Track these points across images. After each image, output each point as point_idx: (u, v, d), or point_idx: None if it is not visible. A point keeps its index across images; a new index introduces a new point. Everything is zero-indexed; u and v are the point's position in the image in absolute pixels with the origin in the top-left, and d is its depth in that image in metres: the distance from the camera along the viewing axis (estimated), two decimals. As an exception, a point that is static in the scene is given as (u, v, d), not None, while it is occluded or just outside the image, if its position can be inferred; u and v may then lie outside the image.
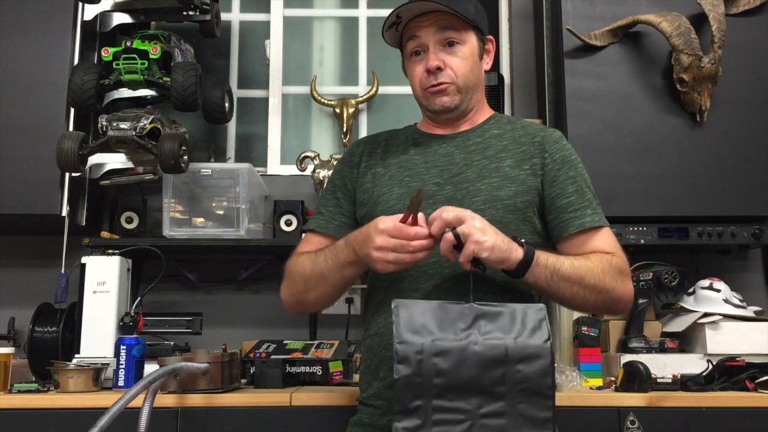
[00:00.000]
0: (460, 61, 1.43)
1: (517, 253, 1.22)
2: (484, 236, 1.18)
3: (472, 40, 1.45)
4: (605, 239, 1.39)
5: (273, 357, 2.04)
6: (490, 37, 1.52)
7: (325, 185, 2.41)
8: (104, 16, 2.45)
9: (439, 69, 1.41)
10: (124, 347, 1.91)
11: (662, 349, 2.12)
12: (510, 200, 1.37)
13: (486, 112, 1.54)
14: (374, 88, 2.72)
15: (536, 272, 1.25)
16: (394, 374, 1.13)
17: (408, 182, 1.44)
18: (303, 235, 1.61)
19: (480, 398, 1.13)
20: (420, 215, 1.22)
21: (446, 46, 1.42)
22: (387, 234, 1.21)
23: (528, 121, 1.55)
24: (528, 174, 1.40)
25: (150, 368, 1.86)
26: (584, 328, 2.13)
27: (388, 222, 1.22)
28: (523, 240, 1.26)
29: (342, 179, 1.54)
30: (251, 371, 2.01)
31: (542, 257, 1.26)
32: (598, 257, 1.33)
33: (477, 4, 1.49)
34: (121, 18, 2.45)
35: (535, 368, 1.13)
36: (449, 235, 1.19)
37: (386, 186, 1.46)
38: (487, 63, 1.51)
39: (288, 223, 2.45)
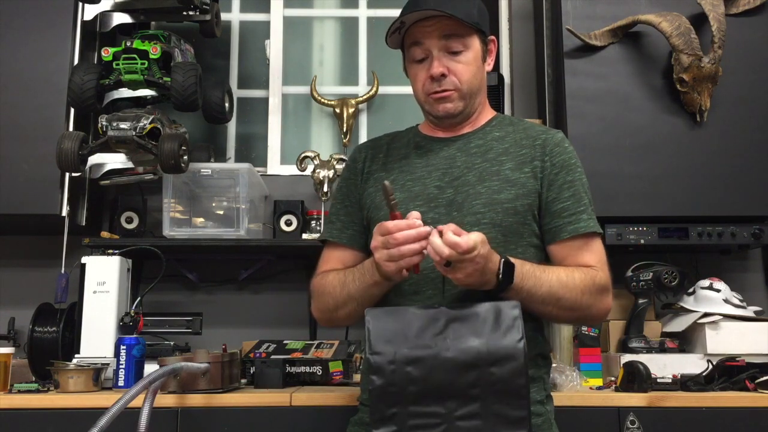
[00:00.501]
0: (464, 67, 1.41)
1: (490, 285, 1.25)
2: (467, 278, 1.19)
3: (475, 44, 1.43)
4: (593, 251, 1.40)
5: (273, 357, 2.04)
6: (492, 37, 1.50)
7: (330, 190, 2.42)
8: (104, 16, 2.45)
9: (443, 76, 1.40)
10: (124, 347, 1.91)
11: (662, 349, 2.12)
12: (510, 203, 1.37)
13: (488, 113, 1.53)
14: (374, 88, 2.72)
15: (510, 295, 1.27)
16: (369, 385, 1.16)
17: (410, 186, 1.44)
18: (322, 248, 1.61)
19: (455, 402, 1.15)
20: (414, 213, 1.22)
21: (450, 52, 1.41)
22: (377, 233, 1.23)
23: (530, 123, 1.54)
24: (528, 177, 1.40)
25: (150, 368, 1.86)
26: (584, 328, 2.14)
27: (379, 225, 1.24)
28: (503, 262, 1.23)
29: (348, 187, 1.55)
30: (251, 371, 2.01)
31: (517, 285, 1.26)
32: (582, 275, 1.34)
33: (480, 5, 1.47)
34: (121, 18, 2.45)
35: (508, 369, 1.14)
36: (442, 268, 1.19)
37: (377, 188, 1.47)
38: (489, 64, 1.49)
39: (288, 223, 2.45)
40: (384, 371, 1.15)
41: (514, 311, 1.19)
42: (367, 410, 1.41)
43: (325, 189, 2.43)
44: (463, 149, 1.45)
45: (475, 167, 1.42)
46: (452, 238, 1.15)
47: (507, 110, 2.71)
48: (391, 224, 1.20)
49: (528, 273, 1.28)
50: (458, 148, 1.46)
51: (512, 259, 1.27)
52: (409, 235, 1.18)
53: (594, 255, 1.39)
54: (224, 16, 2.79)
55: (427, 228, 1.19)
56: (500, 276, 1.24)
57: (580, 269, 1.35)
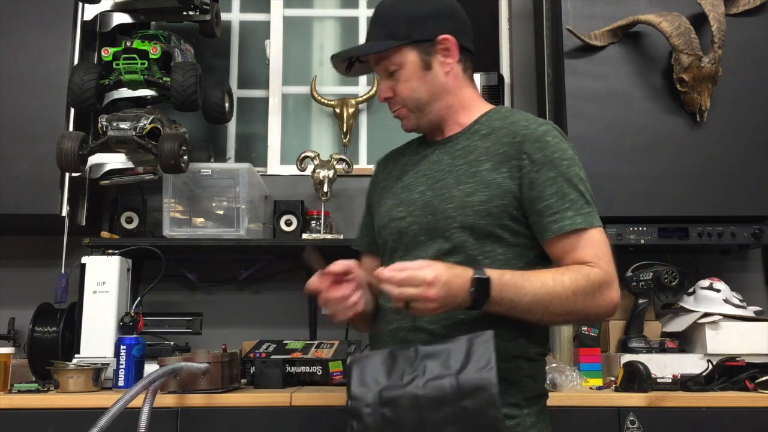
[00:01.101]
0: (402, 84, 1.41)
1: (464, 305, 1.21)
2: (434, 310, 1.19)
3: (408, 58, 1.39)
4: (588, 245, 1.29)
5: (273, 357, 2.04)
6: (442, 37, 1.40)
7: (330, 190, 2.45)
8: (104, 16, 2.45)
9: (388, 98, 1.44)
10: (124, 347, 1.92)
11: (662, 349, 2.12)
12: (482, 206, 1.33)
13: (477, 111, 1.46)
14: (374, 88, 2.72)
15: (492, 309, 1.23)
16: (348, 430, 1.19)
17: (398, 193, 1.46)
18: None
19: None
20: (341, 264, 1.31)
21: (390, 74, 1.42)
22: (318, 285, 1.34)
23: (520, 116, 1.42)
24: (505, 177, 1.34)
25: (150, 368, 1.86)
26: (584, 328, 2.14)
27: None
28: (476, 277, 1.21)
29: (368, 198, 1.62)
30: (251, 371, 2.01)
31: (496, 297, 1.22)
32: (573, 277, 1.25)
33: (412, 12, 1.41)
34: (121, 18, 2.45)
35: (479, 401, 1.12)
36: (400, 302, 1.20)
37: (384, 198, 1.50)
38: (448, 64, 1.41)
39: (288, 223, 2.45)
40: (361, 415, 1.17)
41: (486, 341, 1.17)
42: None
43: (325, 189, 2.43)
44: (450, 152, 1.43)
45: (456, 169, 1.39)
46: (395, 292, 1.18)
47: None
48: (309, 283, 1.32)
49: (508, 283, 1.23)
50: (446, 151, 1.44)
51: (489, 271, 1.21)
52: (311, 288, 1.31)
53: (589, 249, 1.29)
54: (224, 16, 2.79)
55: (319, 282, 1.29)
56: (473, 293, 1.20)
57: (570, 269, 1.27)
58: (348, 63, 1.46)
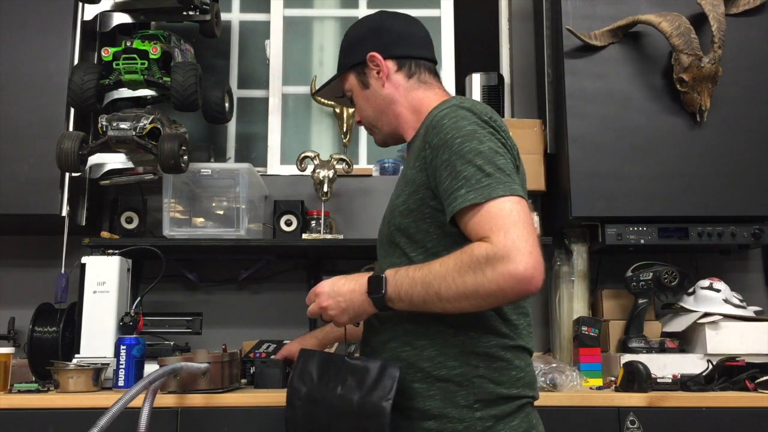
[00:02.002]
0: (358, 107, 1.55)
1: (370, 308, 1.29)
2: (339, 318, 1.34)
3: (351, 83, 1.53)
4: (482, 220, 1.18)
5: (273, 357, 2.04)
6: (369, 55, 1.47)
7: (330, 190, 2.45)
8: (104, 16, 2.45)
9: (359, 123, 1.57)
10: (124, 347, 1.91)
11: (662, 349, 2.12)
12: (403, 205, 1.34)
13: (428, 110, 1.41)
14: (374, 88, 2.72)
15: (397, 307, 1.26)
16: (285, 413, 1.34)
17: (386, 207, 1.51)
18: None
19: None
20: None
21: (351, 101, 1.57)
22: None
23: (441, 105, 1.36)
24: (417, 171, 1.33)
25: (150, 368, 1.86)
26: (584, 328, 2.14)
27: None
28: (370, 277, 1.28)
29: None
30: (251, 371, 2.01)
31: (393, 293, 1.24)
32: (457, 255, 1.18)
33: (352, 35, 1.55)
34: (121, 18, 2.45)
35: (375, 424, 1.22)
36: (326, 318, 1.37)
37: None
38: (381, 77, 1.47)
39: (288, 223, 2.45)
40: (294, 405, 1.32)
41: (392, 372, 1.25)
42: None
43: (325, 189, 2.43)
44: (408, 157, 1.48)
45: (402, 175, 1.45)
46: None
47: (507, 110, 2.71)
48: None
49: (401, 277, 1.23)
50: (408, 157, 1.47)
51: (387, 271, 1.26)
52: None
53: (484, 224, 1.17)
54: (224, 16, 2.79)
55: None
56: (369, 293, 1.27)
57: (459, 251, 1.19)
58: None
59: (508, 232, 1.14)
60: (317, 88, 1.65)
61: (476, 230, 1.19)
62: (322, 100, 2.72)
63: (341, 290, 1.32)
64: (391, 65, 1.47)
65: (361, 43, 1.51)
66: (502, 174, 1.21)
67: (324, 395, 1.29)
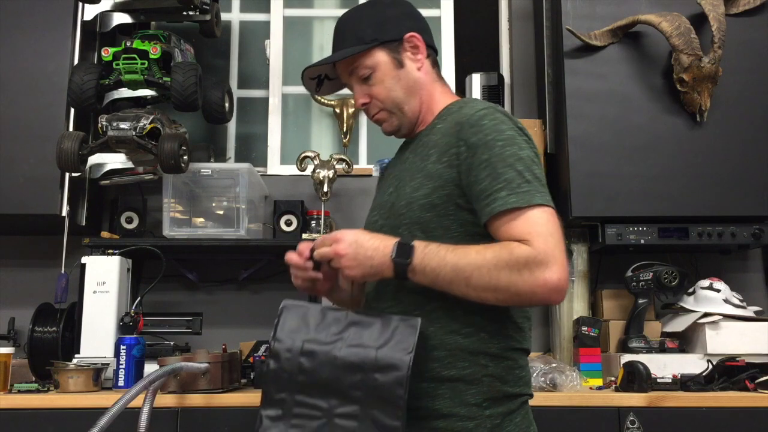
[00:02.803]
0: (377, 87, 1.43)
1: (388, 271, 1.25)
2: (351, 270, 1.27)
3: (380, 59, 1.42)
4: (523, 224, 1.21)
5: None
6: (409, 34, 1.42)
7: (330, 190, 2.45)
8: (104, 16, 2.45)
9: (365, 104, 1.46)
10: (124, 347, 1.92)
11: (662, 349, 2.12)
12: (425, 199, 1.32)
13: (441, 105, 1.46)
14: (374, 88, 2.72)
15: (416, 279, 1.25)
16: (265, 367, 1.26)
17: (377, 197, 1.50)
18: None
19: (337, 399, 1.20)
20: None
21: (363, 80, 1.45)
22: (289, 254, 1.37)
23: (468, 105, 1.39)
24: (445, 167, 1.33)
25: (150, 368, 1.86)
26: (584, 328, 2.14)
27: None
28: (398, 243, 1.25)
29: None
30: (251, 376, 2.01)
31: (418, 265, 1.23)
32: (496, 250, 1.20)
33: (374, 14, 1.45)
34: (121, 18, 2.45)
35: (390, 378, 1.18)
36: (325, 268, 1.32)
37: (371, 206, 1.53)
38: (418, 60, 1.43)
39: (288, 223, 2.45)
40: (280, 357, 1.24)
41: (412, 326, 1.21)
42: None
43: (325, 189, 2.43)
44: (414, 149, 1.44)
45: (412, 166, 1.40)
46: (315, 254, 1.30)
47: (507, 110, 2.70)
48: (291, 257, 1.36)
49: (431, 252, 1.23)
50: (412, 149, 1.45)
51: (416, 241, 1.24)
52: (293, 262, 1.34)
53: (522, 227, 1.21)
54: (224, 16, 2.79)
55: (298, 253, 1.34)
56: (393, 257, 1.23)
57: (498, 244, 1.22)
58: (318, 81, 1.50)
59: (547, 240, 1.19)
60: (315, 62, 1.49)
61: (513, 233, 1.22)
62: (322, 99, 2.72)
63: (364, 244, 1.26)
64: (426, 51, 1.46)
65: (394, 22, 1.44)
66: (539, 183, 1.25)
67: (323, 348, 1.23)
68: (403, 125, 1.45)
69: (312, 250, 1.31)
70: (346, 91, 2.99)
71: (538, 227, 1.21)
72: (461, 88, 2.71)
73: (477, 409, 1.26)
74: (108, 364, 1.97)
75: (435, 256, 1.23)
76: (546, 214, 1.22)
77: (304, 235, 2.41)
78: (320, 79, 1.50)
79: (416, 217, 1.32)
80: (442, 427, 1.25)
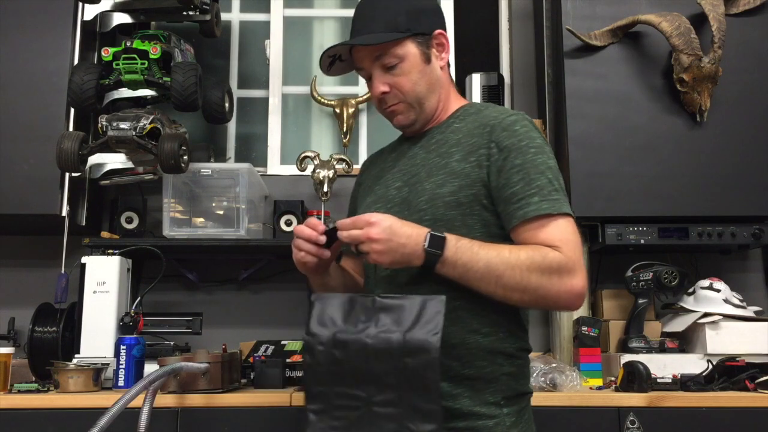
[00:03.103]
0: (403, 78, 1.40)
1: (418, 260, 1.24)
2: (381, 256, 1.23)
3: (410, 51, 1.39)
4: (553, 231, 1.27)
5: (273, 359, 2.04)
6: (438, 31, 1.43)
7: (330, 190, 2.45)
8: (104, 16, 2.45)
9: (385, 93, 1.41)
10: (124, 347, 1.92)
11: (662, 349, 2.12)
12: (452, 196, 1.33)
13: (455, 105, 1.48)
14: (374, 88, 2.72)
15: (444, 271, 1.25)
16: (302, 363, 1.24)
17: (377, 190, 1.47)
18: None
19: (374, 387, 1.19)
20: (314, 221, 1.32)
21: (387, 68, 1.40)
22: (298, 227, 1.32)
23: (492, 109, 1.43)
24: (473, 166, 1.34)
25: (150, 368, 1.86)
26: (584, 328, 2.14)
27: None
28: (431, 233, 1.24)
29: (351, 200, 1.63)
30: (251, 376, 2.01)
31: (450, 258, 1.23)
32: (529, 253, 1.24)
33: (411, 6, 1.41)
34: (121, 18, 2.45)
35: (420, 361, 1.16)
36: (336, 246, 1.30)
37: (363, 197, 1.51)
38: (442, 58, 1.44)
39: (288, 223, 2.45)
40: (314, 351, 1.22)
41: (437, 306, 1.20)
42: None
43: (325, 189, 2.43)
44: (424, 146, 1.44)
45: (428, 163, 1.40)
46: (344, 235, 1.25)
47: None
48: (311, 219, 1.31)
49: (464, 247, 1.24)
50: (421, 145, 1.45)
51: (447, 233, 1.24)
52: (304, 233, 1.29)
53: (554, 234, 1.26)
54: (224, 16, 2.79)
55: (318, 232, 1.29)
56: (426, 247, 1.23)
57: (530, 246, 1.26)
58: (331, 60, 1.44)
59: (575, 250, 1.26)
60: (351, 40, 1.40)
61: (544, 238, 1.27)
62: (322, 99, 2.72)
63: (398, 230, 1.23)
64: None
65: (426, 15, 1.43)
66: (564, 194, 1.31)
67: (353, 337, 1.21)
68: (419, 120, 1.44)
69: (333, 229, 1.27)
70: (346, 91, 3.01)
71: (567, 235, 1.27)
72: (461, 88, 2.70)
73: (496, 408, 1.29)
74: (108, 364, 1.97)
75: (467, 251, 1.24)
76: (571, 223, 1.29)
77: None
78: (334, 58, 1.44)
79: (440, 214, 1.32)
80: (461, 427, 1.26)
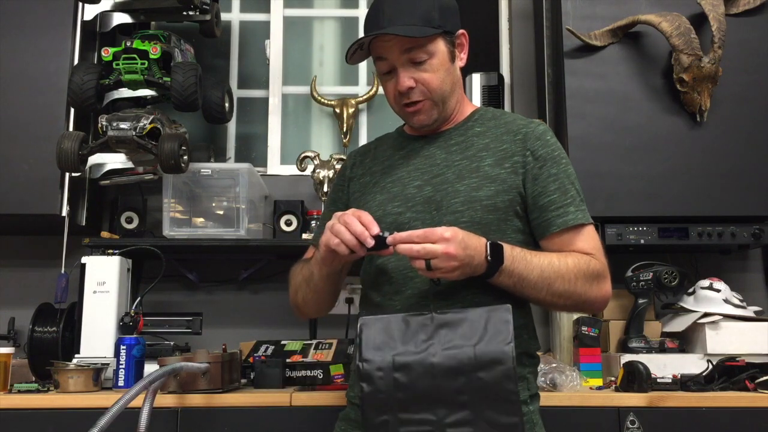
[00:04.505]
0: (431, 75, 1.38)
1: (480, 271, 1.24)
2: (454, 271, 1.20)
3: (439, 48, 1.38)
4: (587, 239, 1.36)
5: (273, 359, 2.03)
6: (461, 31, 1.43)
7: (326, 191, 2.43)
8: (104, 16, 2.45)
9: (410, 89, 1.38)
10: (124, 347, 1.92)
11: (662, 349, 2.12)
12: (489, 200, 1.35)
13: (468, 108, 1.50)
14: (374, 88, 2.72)
15: (500, 280, 1.26)
16: (359, 392, 1.17)
17: (390, 188, 1.44)
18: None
19: (444, 408, 1.14)
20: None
21: (415, 63, 1.37)
22: (348, 214, 1.24)
23: (512, 116, 1.48)
24: (509, 172, 1.37)
25: (150, 368, 1.86)
26: (584, 328, 2.13)
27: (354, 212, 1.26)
28: (490, 243, 1.23)
29: (336, 193, 1.58)
30: (251, 376, 2.00)
31: (508, 267, 1.24)
32: (575, 260, 1.31)
33: (442, 2, 1.39)
34: (121, 18, 2.45)
35: (496, 374, 1.12)
36: (421, 263, 1.19)
37: (370, 194, 1.47)
38: (462, 59, 1.44)
39: (288, 223, 2.45)
40: (372, 378, 1.16)
41: (504, 315, 1.17)
42: (355, 407, 1.42)
43: (325, 189, 2.43)
44: (443, 147, 1.44)
45: (455, 165, 1.40)
46: (415, 249, 1.18)
47: (506, 110, 2.70)
48: (362, 212, 1.24)
49: (518, 256, 1.27)
50: (438, 146, 1.44)
51: (500, 242, 1.26)
52: (354, 227, 1.21)
53: (588, 242, 1.36)
54: (224, 16, 2.79)
55: (370, 232, 1.21)
56: (489, 258, 1.23)
57: (573, 254, 1.32)
58: (355, 48, 1.39)
59: (604, 256, 1.36)
60: (391, 29, 1.34)
61: (579, 246, 1.34)
62: (322, 99, 2.72)
63: (470, 243, 1.21)
64: None
65: (453, 14, 1.42)
66: (585, 203, 1.40)
67: (416, 357, 1.15)
68: (439, 119, 1.44)
69: (384, 237, 1.20)
70: (346, 91, 3.01)
71: (597, 243, 1.37)
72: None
73: (524, 405, 1.30)
74: (108, 364, 1.97)
75: (522, 260, 1.27)
76: (595, 231, 1.39)
77: (304, 235, 2.41)
78: (357, 48, 1.39)
79: (478, 218, 1.33)
80: None
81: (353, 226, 1.22)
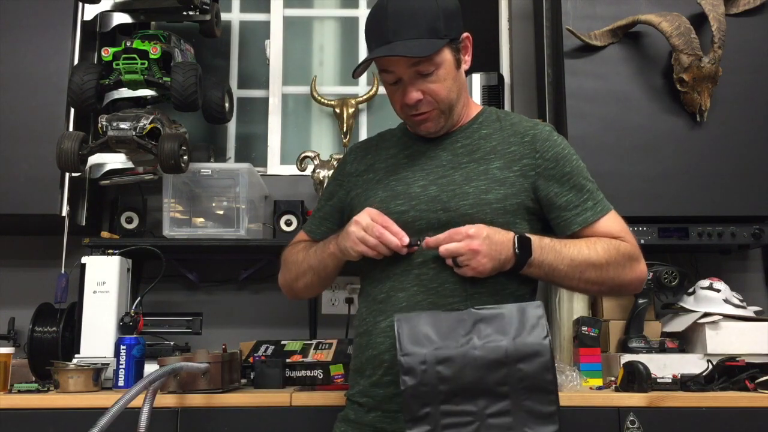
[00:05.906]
0: (439, 85, 1.37)
1: (509, 265, 1.29)
2: (483, 266, 1.27)
3: (446, 58, 1.36)
4: (611, 224, 1.38)
5: (273, 359, 2.03)
6: (465, 35, 1.41)
7: (324, 187, 2.42)
8: (104, 16, 2.45)
9: (419, 101, 1.37)
10: (124, 347, 1.92)
11: (662, 349, 2.12)
12: (498, 203, 1.35)
13: (473, 109, 1.49)
14: (374, 88, 2.72)
15: (530, 272, 1.31)
16: (401, 385, 1.19)
17: (393, 186, 1.44)
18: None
19: (485, 399, 1.18)
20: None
21: (422, 74, 1.36)
22: (367, 213, 1.34)
23: (517, 118, 1.48)
24: (518, 175, 1.38)
25: (150, 368, 1.86)
26: (584, 328, 2.13)
27: (375, 211, 1.34)
28: (518, 236, 1.29)
29: (334, 186, 1.59)
30: (251, 376, 2.00)
31: (537, 259, 1.29)
32: (605, 246, 1.34)
33: (445, 7, 1.36)
34: (121, 18, 2.45)
35: (535, 366, 1.18)
36: (450, 261, 1.30)
37: (372, 190, 1.47)
38: (466, 62, 1.43)
39: (288, 223, 2.45)
40: (415, 371, 1.18)
41: (537, 311, 1.22)
42: (353, 407, 1.43)
43: (325, 189, 2.43)
44: (449, 149, 1.44)
45: (462, 167, 1.40)
46: (441, 250, 1.28)
47: (507, 110, 2.70)
48: (385, 218, 1.33)
49: (547, 247, 1.30)
50: (444, 147, 1.44)
51: (527, 234, 1.30)
52: (389, 240, 1.30)
53: (614, 226, 1.38)
54: (224, 16, 2.79)
55: (400, 242, 1.31)
56: (517, 250, 1.27)
57: (602, 240, 1.35)
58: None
59: (633, 237, 1.38)
60: (398, 51, 1.32)
61: (604, 232, 1.36)
62: (322, 99, 2.72)
63: (496, 238, 1.28)
64: None
65: (456, 18, 1.39)
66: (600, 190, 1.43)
67: (458, 351, 1.19)
68: (446, 126, 1.44)
69: (415, 244, 1.30)
70: (346, 91, 3.01)
71: (623, 225, 1.39)
72: (461, 88, 2.70)
73: None
74: (108, 364, 1.97)
75: (551, 251, 1.30)
76: (618, 214, 1.41)
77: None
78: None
79: (489, 220, 1.33)
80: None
81: (386, 238, 1.31)
